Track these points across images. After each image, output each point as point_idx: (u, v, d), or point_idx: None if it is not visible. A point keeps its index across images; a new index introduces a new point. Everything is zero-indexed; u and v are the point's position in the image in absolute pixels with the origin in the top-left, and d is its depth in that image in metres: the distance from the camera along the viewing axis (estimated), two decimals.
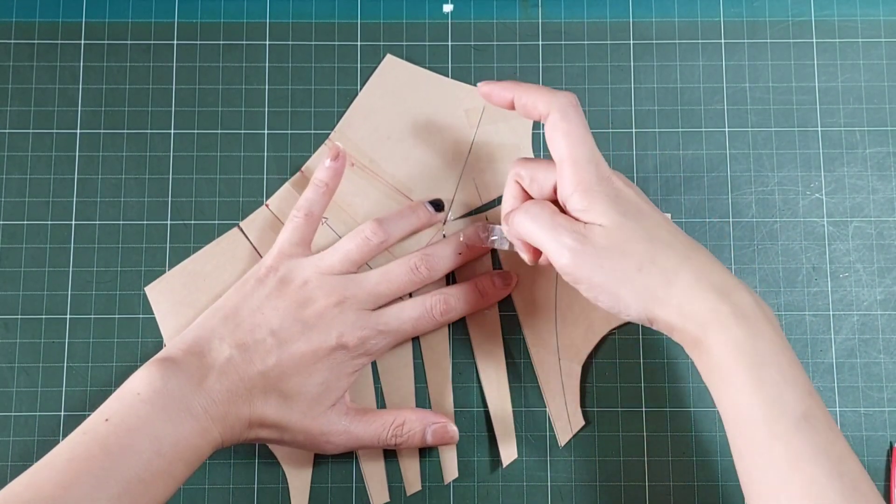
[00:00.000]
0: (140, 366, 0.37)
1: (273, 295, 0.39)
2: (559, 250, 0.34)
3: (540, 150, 0.46)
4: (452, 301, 0.41)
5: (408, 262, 0.41)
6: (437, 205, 0.44)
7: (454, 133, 0.46)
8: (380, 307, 0.41)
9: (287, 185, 0.45)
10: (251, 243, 0.44)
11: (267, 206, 0.45)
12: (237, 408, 0.36)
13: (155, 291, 0.44)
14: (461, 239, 0.42)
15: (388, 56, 0.46)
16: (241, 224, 0.45)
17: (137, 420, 0.34)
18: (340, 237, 0.43)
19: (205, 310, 0.42)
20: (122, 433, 0.33)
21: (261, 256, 0.44)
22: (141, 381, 0.35)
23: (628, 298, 0.33)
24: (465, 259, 0.43)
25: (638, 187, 0.36)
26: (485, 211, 0.45)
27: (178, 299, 0.44)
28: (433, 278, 0.42)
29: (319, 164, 0.43)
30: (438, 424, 0.41)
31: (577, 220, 0.35)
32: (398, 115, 0.46)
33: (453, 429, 0.41)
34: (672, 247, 0.34)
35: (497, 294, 0.43)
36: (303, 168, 0.45)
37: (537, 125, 0.46)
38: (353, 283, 0.40)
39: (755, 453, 0.31)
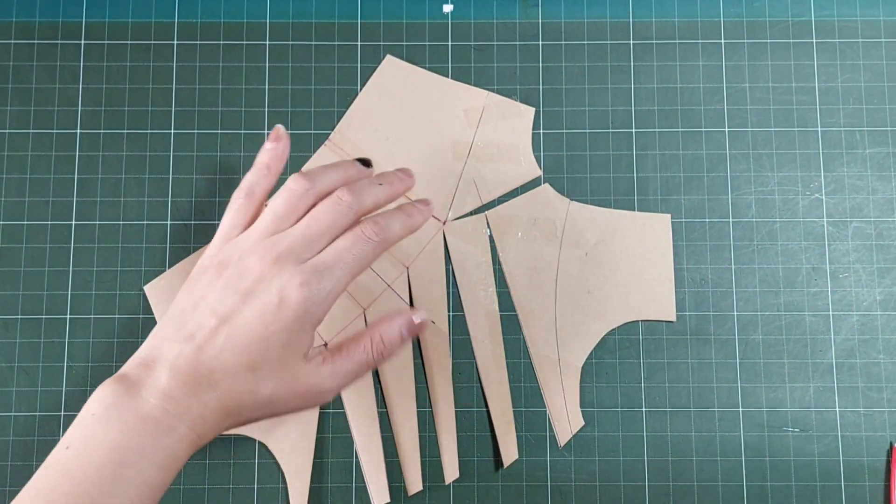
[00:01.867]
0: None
1: (213, 279, 0.37)
2: None
3: (540, 149, 0.46)
4: (381, 220, 0.39)
5: (331, 197, 0.38)
6: (365, 162, 0.41)
7: (454, 133, 0.46)
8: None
9: None
10: None
11: (267, 206, 0.45)
12: (200, 398, 0.35)
13: (154, 290, 0.44)
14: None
15: (388, 56, 0.46)
16: None
17: (94, 439, 0.33)
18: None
19: None
20: (81, 455, 0.33)
21: None
22: (94, 402, 0.35)
23: None
24: (389, 191, 0.40)
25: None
26: (484, 211, 0.45)
27: None
28: (363, 206, 0.39)
29: (261, 148, 0.41)
30: (404, 319, 0.39)
31: None
32: (398, 116, 0.46)
33: (418, 317, 0.39)
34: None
35: (422, 213, 0.40)
36: (302, 169, 0.45)
37: (537, 125, 0.46)
38: (284, 237, 0.37)
39: None
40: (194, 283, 0.38)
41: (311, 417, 0.44)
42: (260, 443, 0.43)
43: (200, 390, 0.35)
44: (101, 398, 0.34)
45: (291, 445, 0.43)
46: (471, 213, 0.45)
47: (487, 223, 0.45)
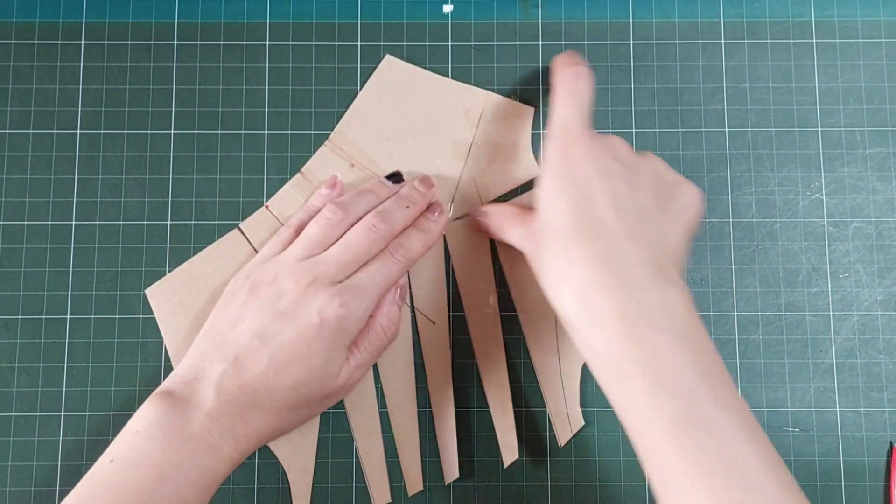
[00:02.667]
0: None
1: (248, 301, 0.39)
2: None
3: (540, 149, 0.46)
4: (405, 241, 0.42)
5: (364, 224, 0.41)
6: (395, 176, 0.44)
7: (454, 133, 0.46)
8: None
9: (287, 186, 0.45)
10: (251, 245, 0.44)
11: (267, 207, 0.45)
12: (244, 418, 0.36)
13: (155, 294, 0.44)
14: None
15: (388, 56, 0.46)
16: (242, 225, 0.45)
17: (137, 454, 0.34)
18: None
19: (205, 312, 0.42)
20: (123, 469, 0.34)
21: None
22: (138, 418, 0.36)
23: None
24: (415, 211, 0.43)
25: None
26: None
27: (178, 301, 0.44)
28: (393, 232, 0.42)
29: (316, 192, 0.44)
30: (391, 296, 0.42)
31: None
32: (398, 116, 0.46)
33: (396, 284, 0.42)
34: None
35: (437, 224, 0.43)
36: (303, 169, 0.45)
37: (537, 125, 0.46)
38: (319, 261, 0.40)
39: (645, 457, 0.33)
40: (228, 302, 0.41)
41: (311, 424, 0.44)
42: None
43: (244, 409, 0.37)
44: (146, 415, 0.36)
45: (293, 447, 0.43)
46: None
47: None
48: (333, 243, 0.41)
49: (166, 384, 0.38)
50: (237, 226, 0.45)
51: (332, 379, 0.39)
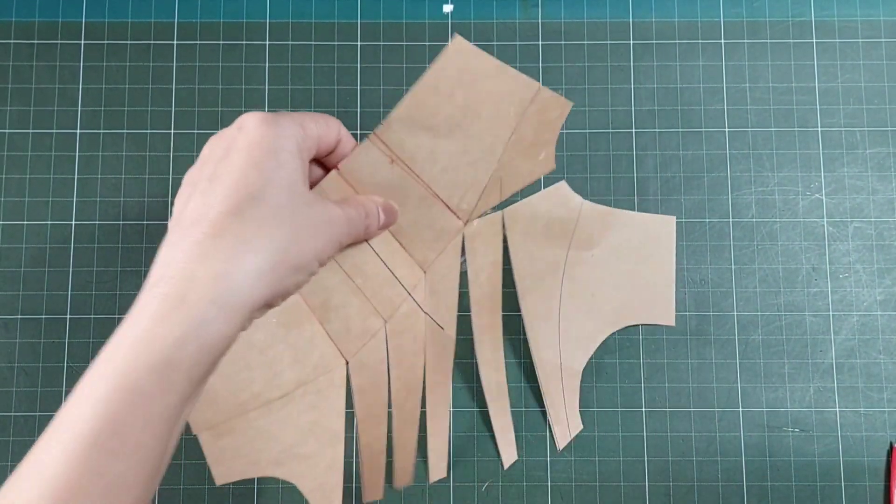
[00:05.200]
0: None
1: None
2: None
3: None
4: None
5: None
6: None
7: (500, 130, 0.41)
8: None
9: (319, 186, 0.43)
10: None
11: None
12: (213, 262, 0.30)
13: None
14: None
15: (457, 37, 0.40)
16: None
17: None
18: (368, 243, 0.41)
19: None
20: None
21: None
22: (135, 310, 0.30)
23: None
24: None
25: None
26: (501, 209, 0.43)
27: None
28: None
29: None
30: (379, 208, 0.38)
31: None
32: (454, 112, 0.40)
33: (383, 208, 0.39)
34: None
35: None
36: (339, 166, 0.40)
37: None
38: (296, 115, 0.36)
39: None
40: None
41: (335, 449, 0.40)
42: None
43: (212, 254, 0.30)
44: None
45: (319, 482, 0.40)
46: (488, 212, 0.43)
47: (503, 222, 0.44)
48: None
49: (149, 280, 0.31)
50: None
51: (301, 197, 0.33)
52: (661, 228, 0.44)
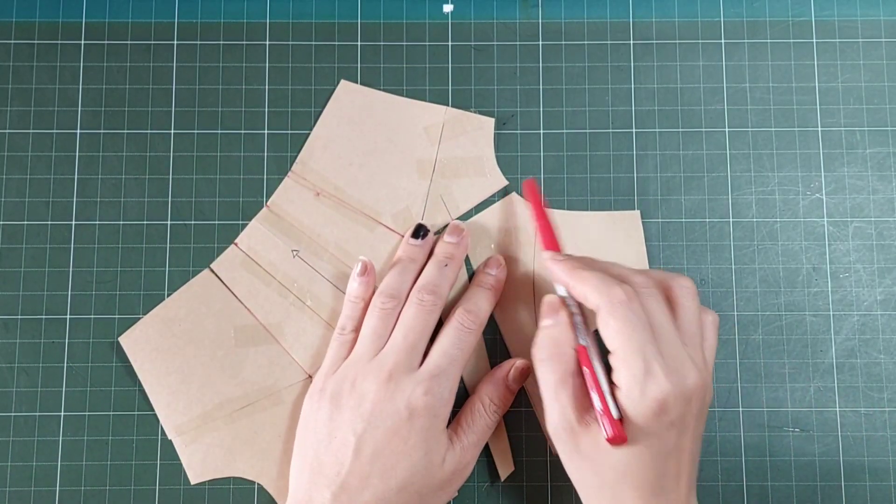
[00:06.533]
0: None
1: (334, 415, 0.39)
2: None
3: (540, 150, 0.46)
4: (471, 306, 0.41)
5: (413, 301, 0.41)
6: (419, 231, 0.44)
7: (416, 152, 0.45)
8: (423, 358, 0.40)
9: (254, 222, 0.44)
10: (224, 283, 0.44)
11: (236, 244, 0.44)
12: None
13: (129, 341, 0.43)
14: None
15: (343, 82, 0.46)
16: (213, 265, 0.44)
17: None
18: (312, 267, 0.44)
19: (183, 355, 0.43)
20: None
21: (234, 295, 0.44)
22: None
23: None
24: (456, 265, 0.43)
25: (696, 397, 0.35)
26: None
27: (153, 346, 0.43)
28: (442, 298, 0.41)
29: (350, 279, 0.43)
30: (502, 373, 0.42)
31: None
32: (359, 140, 0.45)
33: (521, 361, 0.42)
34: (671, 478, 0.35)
35: (497, 279, 0.43)
36: (268, 203, 0.45)
37: (537, 125, 0.46)
38: (389, 353, 0.40)
39: None
40: (312, 420, 0.40)
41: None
42: None
43: None
44: None
45: (284, 481, 0.43)
46: (442, 230, 0.45)
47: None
48: (392, 329, 0.41)
49: None
50: (208, 266, 0.44)
51: (437, 468, 0.38)
52: (627, 223, 0.45)
